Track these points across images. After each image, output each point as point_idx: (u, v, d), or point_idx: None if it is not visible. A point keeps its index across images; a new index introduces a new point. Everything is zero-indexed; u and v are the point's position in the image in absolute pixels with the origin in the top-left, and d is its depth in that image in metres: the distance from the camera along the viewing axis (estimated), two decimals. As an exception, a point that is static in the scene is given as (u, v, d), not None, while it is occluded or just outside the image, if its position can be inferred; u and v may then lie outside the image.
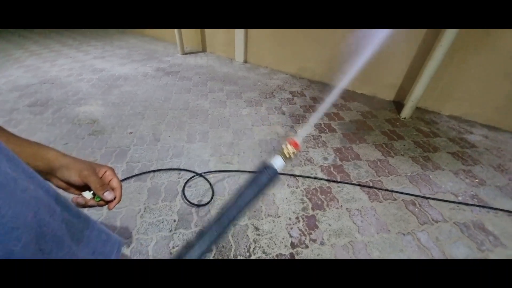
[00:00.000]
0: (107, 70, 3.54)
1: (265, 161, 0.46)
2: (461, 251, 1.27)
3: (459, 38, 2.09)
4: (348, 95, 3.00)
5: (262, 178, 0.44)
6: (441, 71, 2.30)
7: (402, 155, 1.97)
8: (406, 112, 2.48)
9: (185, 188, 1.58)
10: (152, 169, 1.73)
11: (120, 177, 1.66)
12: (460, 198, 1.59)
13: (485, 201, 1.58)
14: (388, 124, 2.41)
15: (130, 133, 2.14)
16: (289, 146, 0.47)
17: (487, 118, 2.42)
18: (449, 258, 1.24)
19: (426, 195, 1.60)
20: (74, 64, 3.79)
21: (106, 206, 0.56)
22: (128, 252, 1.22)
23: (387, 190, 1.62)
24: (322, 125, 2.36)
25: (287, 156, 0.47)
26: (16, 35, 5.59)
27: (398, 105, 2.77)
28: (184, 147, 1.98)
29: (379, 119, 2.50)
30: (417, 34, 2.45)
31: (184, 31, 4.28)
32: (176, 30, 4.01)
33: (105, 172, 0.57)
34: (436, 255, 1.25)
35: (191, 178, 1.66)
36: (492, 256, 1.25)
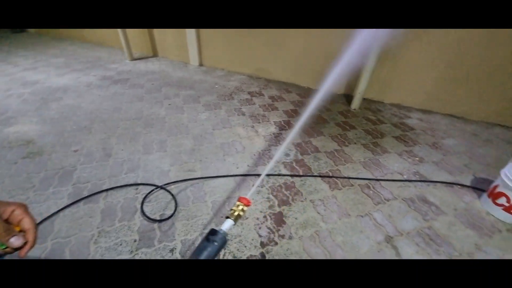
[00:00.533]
0: (42, 82, 3.12)
1: (215, 228, 0.49)
2: (410, 223, 1.43)
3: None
4: (303, 92, 3.14)
5: (213, 245, 0.48)
6: (380, 64, 2.55)
7: (355, 143, 2.14)
8: (355, 104, 2.70)
9: (144, 204, 1.48)
10: (104, 188, 1.58)
11: (66, 202, 1.48)
12: (405, 176, 1.78)
13: (425, 176, 1.80)
14: (341, 116, 2.58)
15: (75, 151, 1.92)
16: (240, 205, 0.51)
17: (420, 103, 2.76)
18: (400, 231, 1.37)
19: (378, 177, 1.76)
20: (1, 78, 3.26)
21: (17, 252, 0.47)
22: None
23: (345, 177, 1.74)
24: (282, 122, 2.43)
25: (239, 215, 0.51)
26: None
27: (348, 97, 3.00)
28: (140, 159, 1.85)
29: (333, 112, 2.67)
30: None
31: (131, 35, 4.00)
32: (121, 34, 3.72)
33: (13, 211, 0.47)
34: (390, 230, 1.38)
35: (150, 192, 1.55)
36: (436, 224, 1.43)
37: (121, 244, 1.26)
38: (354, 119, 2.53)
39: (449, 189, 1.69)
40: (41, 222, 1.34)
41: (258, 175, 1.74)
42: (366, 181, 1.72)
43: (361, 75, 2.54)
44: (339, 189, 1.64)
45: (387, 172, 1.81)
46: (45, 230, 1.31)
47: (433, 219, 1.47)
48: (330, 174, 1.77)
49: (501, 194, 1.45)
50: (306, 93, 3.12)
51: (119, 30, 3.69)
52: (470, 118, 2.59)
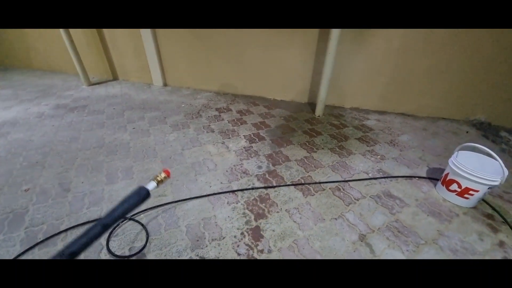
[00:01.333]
0: (-18, 118, 2.80)
1: (141, 185, 0.57)
2: (379, 219, 1.51)
3: (341, 45, 2.55)
4: (270, 104, 3.24)
5: (136, 197, 0.57)
6: (336, 72, 2.75)
7: (323, 148, 2.24)
8: (319, 111, 2.85)
9: (112, 238, 1.36)
10: (63, 228, 1.43)
11: (19, 249, 1.31)
12: (370, 175, 1.90)
13: (387, 172, 1.93)
14: (307, 124, 2.70)
15: (26, 190, 1.72)
16: (162, 174, 0.64)
17: (375, 105, 3.01)
18: (371, 228, 1.45)
19: (346, 179, 1.85)
20: None
21: None
22: None
23: (316, 182, 1.80)
24: (252, 135, 2.46)
25: (159, 181, 0.63)
26: None
27: (312, 105, 3.16)
28: (104, 190, 1.72)
29: (300, 121, 2.78)
30: (311, 44, 2.87)
31: (86, 59, 3.81)
32: (74, 58, 3.53)
33: None
34: (363, 229, 1.44)
35: (116, 226, 1.44)
36: (401, 216, 1.53)
37: (86, 289, 1.14)
38: (320, 126, 2.66)
39: (409, 181, 1.83)
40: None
41: (233, 191, 1.72)
42: (336, 184, 1.79)
43: (320, 83, 2.70)
44: (312, 195, 1.69)
45: (354, 173, 1.91)
46: (-10, 287, 1.13)
47: (398, 212, 1.58)
48: (302, 181, 1.82)
49: (452, 181, 1.61)
50: (273, 104, 3.22)
51: (71, 53, 3.49)
52: (418, 115, 2.89)
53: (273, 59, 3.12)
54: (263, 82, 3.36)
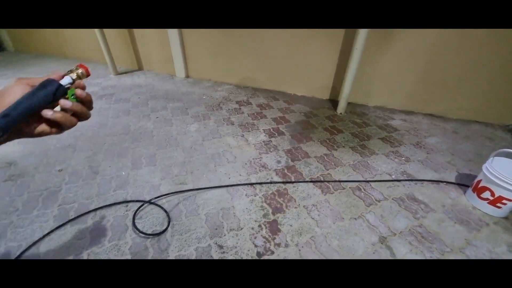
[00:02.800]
0: (22, 101, 3.01)
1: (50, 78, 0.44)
2: (402, 222, 1.46)
3: (369, 41, 2.45)
4: (290, 99, 3.20)
5: (43, 91, 0.41)
6: (361, 69, 2.65)
7: (344, 147, 2.19)
8: (341, 108, 2.77)
9: (136, 221, 1.43)
10: (92, 207, 1.52)
11: (52, 224, 1.41)
12: (393, 176, 1.83)
13: (412, 175, 1.85)
14: (328, 121, 2.64)
15: (60, 170, 1.85)
16: (80, 69, 0.47)
17: (402, 104, 2.88)
18: (393, 231, 1.40)
19: (368, 179, 1.80)
20: (-27, 98, 3.11)
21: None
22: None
23: (336, 181, 1.77)
24: (271, 130, 2.45)
25: (78, 77, 0.47)
26: None
27: (334, 102, 3.08)
28: (129, 175, 1.81)
29: (320, 117, 2.72)
30: (337, 40, 2.78)
31: (114, 50, 3.96)
32: (104, 49, 3.68)
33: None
34: (383, 231, 1.40)
35: (139, 208, 1.51)
36: (426, 221, 1.47)
37: (112, 266, 1.21)
38: (341, 123, 2.59)
39: (436, 186, 1.75)
40: (26, 248, 1.27)
41: (251, 184, 1.73)
42: (357, 183, 1.75)
43: (344, 80, 2.62)
44: (331, 193, 1.67)
45: (376, 173, 1.86)
46: (31, 257, 1.24)
47: (423, 217, 1.51)
48: (322, 179, 1.79)
49: (485, 189, 1.51)
50: (293, 99, 3.18)
51: (101, 44, 3.65)
52: (449, 117, 2.72)
53: (296, 54, 3.07)
54: (284, 76, 3.32)
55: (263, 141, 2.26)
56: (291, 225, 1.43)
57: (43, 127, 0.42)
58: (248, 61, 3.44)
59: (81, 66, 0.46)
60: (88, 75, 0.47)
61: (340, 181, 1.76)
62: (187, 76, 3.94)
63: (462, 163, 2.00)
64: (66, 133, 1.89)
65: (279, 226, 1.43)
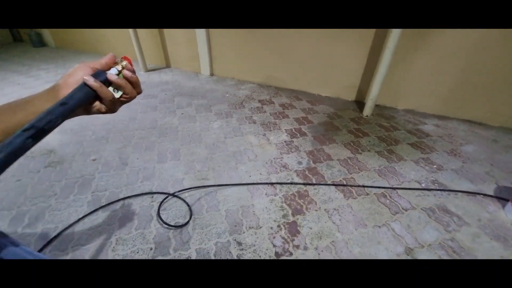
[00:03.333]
0: (62, 94, 3.28)
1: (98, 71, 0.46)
2: (431, 234, 1.37)
3: (402, 40, 2.32)
4: (314, 99, 3.14)
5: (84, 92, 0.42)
6: (391, 70, 2.52)
7: (369, 150, 2.10)
8: (367, 110, 2.66)
9: (161, 212, 1.50)
10: (121, 196, 1.62)
11: (86, 209, 1.52)
12: (423, 185, 1.72)
13: (444, 184, 1.73)
14: (353, 123, 2.55)
15: (94, 160, 1.98)
16: (124, 61, 0.48)
17: (436, 108, 2.69)
18: (420, 242, 1.32)
19: (394, 186, 1.71)
20: (23, 91, 3.45)
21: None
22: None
23: (360, 186, 1.71)
24: (293, 130, 2.42)
25: (121, 68, 0.48)
26: None
27: (360, 104, 2.97)
28: (155, 168, 1.89)
29: (345, 119, 2.64)
30: (367, 38, 2.67)
31: (145, 48, 4.16)
32: (135, 46, 3.88)
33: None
34: (410, 242, 1.33)
35: (164, 200, 1.58)
36: (459, 235, 1.37)
37: (137, 252, 1.28)
38: (367, 126, 2.49)
39: (471, 198, 1.62)
40: (63, 230, 1.39)
41: (272, 183, 1.73)
42: (382, 190, 1.67)
43: (372, 81, 2.51)
44: (354, 198, 1.61)
45: (403, 181, 1.76)
46: (66, 237, 1.35)
47: (455, 230, 1.41)
48: (344, 183, 1.74)
49: (528, 204, 1.37)
50: (317, 100, 3.12)
51: (134, 43, 3.84)
52: (489, 124, 2.50)
53: (322, 53, 3.00)
54: (308, 76, 3.26)
55: (285, 141, 2.24)
56: (310, 228, 1.41)
57: (98, 105, 0.47)
58: (272, 60, 3.43)
59: (125, 58, 0.49)
60: (131, 66, 0.50)
61: (364, 186, 1.70)
62: (212, 74, 4.03)
63: (502, 174, 1.83)
64: (99, 125, 2.02)
65: (298, 228, 1.41)
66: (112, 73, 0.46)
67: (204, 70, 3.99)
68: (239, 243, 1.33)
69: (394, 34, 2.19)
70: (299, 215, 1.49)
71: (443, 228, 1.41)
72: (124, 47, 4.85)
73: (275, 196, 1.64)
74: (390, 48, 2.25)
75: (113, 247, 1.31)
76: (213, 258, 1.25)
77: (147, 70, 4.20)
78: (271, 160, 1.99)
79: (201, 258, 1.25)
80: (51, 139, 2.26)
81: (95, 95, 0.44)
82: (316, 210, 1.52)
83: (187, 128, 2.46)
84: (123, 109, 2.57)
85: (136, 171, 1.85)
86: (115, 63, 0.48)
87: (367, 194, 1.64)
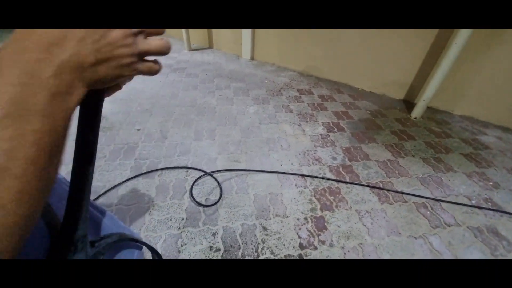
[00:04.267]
0: (115, 66, 3.55)
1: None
2: (474, 256, 1.24)
3: (473, 37, 2.02)
4: (357, 94, 2.95)
5: None
6: (454, 70, 2.23)
7: (413, 156, 1.93)
8: (417, 112, 2.43)
9: (193, 187, 1.58)
10: (160, 166, 1.73)
11: (129, 174, 1.67)
12: (473, 202, 1.55)
13: (499, 205, 1.54)
14: (398, 124, 2.36)
15: (138, 130, 2.14)
16: None
17: (500, 118, 2.35)
18: (462, 263, 1.21)
19: (438, 198, 1.56)
20: (82, 60, 3.81)
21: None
22: (137, 250, 1.23)
23: (398, 192, 1.59)
24: (331, 124, 2.32)
25: None
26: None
27: (408, 104, 2.71)
28: (191, 144, 1.98)
29: (389, 119, 2.45)
30: (429, 31, 2.38)
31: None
32: (183, 26, 3.99)
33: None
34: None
35: (200, 177, 1.66)
36: (507, 262, 1.22)
37: (170, 220, 1.38)
38: (414, 129, 2.28)
39: (532, 225, 1.41)
40: (109, 189, 1.55)
41: (302, 175, 1.71)
42: (424, 200, 1.54)
43: (430, 79, 2.26)
44: (390, 204, 1.51)
45: (450, 194, 1.60)
46: (112, 195, 1.50)
47: (503, 255, 1.26)
48: (381, 186, 1.64)
49: None
50: (359, 95, 2.92)
51: (182, 21, 3.95)
52: None
53: (372, 45, 2.76)
54: (353, 68, 3.06)
55: (320, 134, 2.17)
56: (339, 226, 1.37)
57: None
58: (315, 48, 3.26)
59: None
60: None
61: (402, 193, 1.58)
62: (252, 58, 3.99)
63: None
64: (144, 99, 2.14)
65: (326, 224, 1.38)
66: None
67: (245, 53, 3.97)
68: (265, 228, 1.35)
69: (464, 31, 1.91)
70: (328, 211, 1.46)
71: (490, 251, 1.27)
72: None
73: (304, 188, 1.61)
74: (458, 44, 1.98)
75: (150, 211, 1.42)
76: (238, 238, 1.30)
77: (191, 49, 4.31)
78: (304, 151, 1.95)
79: (196, 259, 1.31)
80: (104, 106, 2.47)
81: None
82: (346, 209, 1.47)
83: (224, 109, 2.51)
84: (167, 86, 2.69)
85: (174, 145, 1.96)
86: None
87: (405, 201, 1.53)
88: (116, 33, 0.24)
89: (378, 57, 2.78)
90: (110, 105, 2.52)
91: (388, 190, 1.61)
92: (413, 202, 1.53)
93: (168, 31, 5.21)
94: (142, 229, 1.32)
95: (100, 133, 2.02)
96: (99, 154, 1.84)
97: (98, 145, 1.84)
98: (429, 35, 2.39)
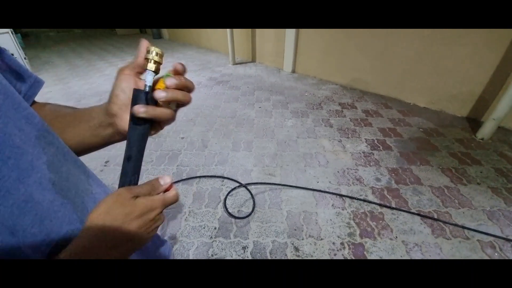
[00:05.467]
0: (167, 79, 3.93)
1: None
2: None
3: None
4: (407, 109, 2.69)
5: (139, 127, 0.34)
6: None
7: (479, 183, 1.65)
8: (484, 132, 2.08)
9: (227, 197, 1.61)
10: (198, 174, 1.82)
11: (171, 179, 1.79)
12: None
13: None
14: (459, 145, 2.05)
15: (182, 138, 2.31)
16: (153, 51, 0.34)
17: None
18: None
19: (510, 237, 1.29)
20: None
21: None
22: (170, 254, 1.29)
23: (458, 225, 1.36)
24: (375, 141, 2.15)
25: (154, 64, 0.34)
26: (98, 47, 6.72)
27: (473, 122, 2.35)
28: (229, 155, 2.04)
29: (447, 138, 2.15)
30: (502, 37, 2.05)
31: (237, 42, 4.49)
32: (229, 40, 4.24)
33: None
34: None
35: (234, 188, 1.68)
36: None
37: (204, 227, 1.42)
38: (480, 152, 1.95)
39: None
40: (152, 191, 1.68)
41: (341, 195, 1.59)
42: (491, 238, 1.29)
43: (503, 94, 1.93)
44: (447, 238, 1.30)
45: (530, 235, 1.30)
46: (154, 199, 1.63)
47: None
48: (435, 216, 1.42)
49: None
50: (411, 110, 2.65)
51: (228, 37, 4.20)
52: None
53: (429, 56, 2.50)
54: (405, 81, 2.80)
55: (363, 152, 2.02)
56: (381, 257, 1.23)
57: (159, 126, 0.40)
58: (361, 60, 3.11)
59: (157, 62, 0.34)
60: (162, 53, 0.35)
61: (464, 227, 1.35)
62: (293, 71, 4.00)
63: None
64: (189, 109, 2.32)
65: (365, 253, 1.25)
66: (159, 93, 0.33)
67: (287, 66, 4.00)
68: (297, 249, 1.29)
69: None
70: (368, 239, 1.32)
71: None
72: (219, 41, 5.39)
73: (342, 210, 1.50)
74: (542, 54, 1.66)
75: (186, 217, 1.49)
76: (268, 255, 1.26)
77: (235, 63, 4.54)
78: (344, 169, 1.83)
79: (199, 259, 1.28)
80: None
81: (151, 123, 0.36)
82: (391, 239, 1.31)
83: (262, 122, 2.54)
84: (211, 97, 2.85)
85: (213, 155, 2.04)
86: (146, 59, 0.34)
87: (467, 238, 1.30)
88: (154, 214, 0.33)
89: (437, 68, 2.50)
90: (160, 114, 2.77)
91: (445, 223, 1.39)
92: (478, 240, 1.28)
93: (216, 46, 5.61)
94: (177, 234, 1.39)
95: (150, 139, 2.22)
96: (147, 158, 2.03)
97: (147, 150, 2.02)
98: (502, 41, 2.07)
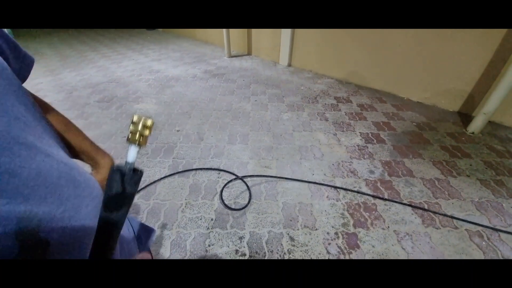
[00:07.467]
0: (162, 72, 3.88)
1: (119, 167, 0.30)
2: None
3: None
4: (401, 103, 2.73)
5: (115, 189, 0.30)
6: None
7: (468, 176, 1.70)
8: (475, 126, 2.14)
9: (224, 189, 1.62)
10: (194, 167, 1.82)
11: (166, 171, 1.79)
12: (547, 237, 1.29)
13: None
14: (450, 139, 2.10)
15: (178, 131, 2.29)
16: (141, 120, 0.30)
17: None
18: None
19: (497, 227, 1.34)
20: (135, 65, 4.25)
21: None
22: (168, 244, 1.30)
23: (447, 215, 1.41)
24: (370, 135, 2.18)
25: (144, 138, 0.30)
26: (90, 38, 6.54)
27: (464, 117, 2.41)
28: (225, 147, 2.04)
29: (439, 132, 2.20)
30: (494, 34, 2.09)
31: (232, 35, 4.44)
32: (224, 33, 4.18)
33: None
34: (510, 303, 1.03)
35: (230, 180, 1.69)
36: None
37: (201, 219, 1.43)
38: (470, 146, 2.01)
39: None
40: (148, 184, 1.68)
41: (335, 187, 1.62)
42: (479, 228, 1.34)
43: (493, 89, 1.98)
44: (436, 228, 1.35)
45: (514, 224, 1.36)
46: (150, 190, 1.63)
47: None
48: (426, 207, 1.47)
49: None
50: (405, 105, 2.69)
51: (224, 30, 4.15)
52: None
53: (424, 51, 2.53)
54: (399, 76, 2.83)
55: (357, 145, 2.05)
56: (373, 246, 1.27)
57: None
58: (357, 54, 3.12)
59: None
60: (151, 124, 0.31)
61: (453, 217, 1.39)
62: (289, 65, 3.99)
63: None
64: (185, 102, 2.30)
65: (358, 242, 1.29)
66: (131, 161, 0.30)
67: (283, 60, 3.98)
68: (292, 238, 1.31)
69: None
70: (362, 229, 1.36)
71: None
72: (214, 33, 5.31)
73: (337, 201, 1.53)
74: (532, 49, 1.70)
75: (183, 209, 1.50)
76: (264, 245, 1.29)
77: (230, 56, 4.49)
78: (339, 162, 1.86)
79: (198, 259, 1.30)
80: (150, 108, 2.72)
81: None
82: (383, 229, 1.35)
83: (258, 115, 2.54)
84: (206, 90, 2.82)
85: (209, 147, 2.04)
86: (131, 133, 0.30)
87: (456, 227, 1.35)
88: None
89: (431, 63, 2.54)
90: (155, 106, 2.75)
91: (435, 213, 1.43)
92: (466, 229, 1.33)
93: (211, 39, 5.53)
94: (174, 225, 1.39)
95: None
96: (142, 151, 2.02)
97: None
98: (494, 38, 2.10)
